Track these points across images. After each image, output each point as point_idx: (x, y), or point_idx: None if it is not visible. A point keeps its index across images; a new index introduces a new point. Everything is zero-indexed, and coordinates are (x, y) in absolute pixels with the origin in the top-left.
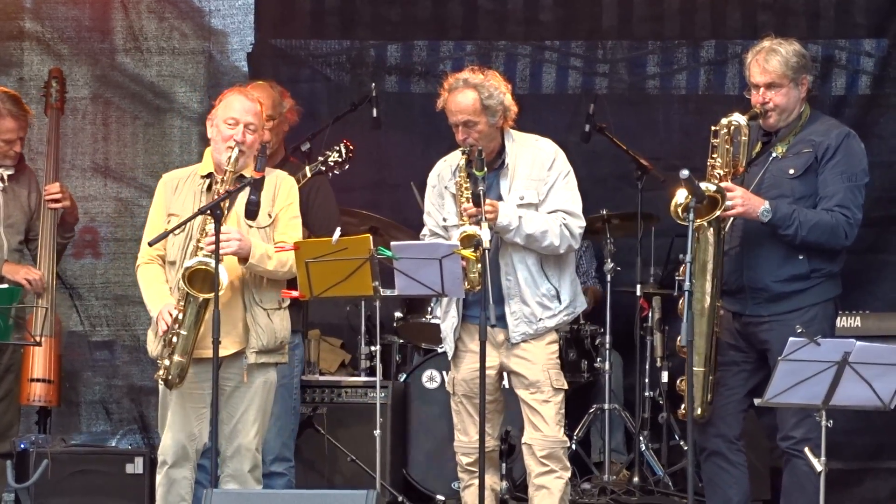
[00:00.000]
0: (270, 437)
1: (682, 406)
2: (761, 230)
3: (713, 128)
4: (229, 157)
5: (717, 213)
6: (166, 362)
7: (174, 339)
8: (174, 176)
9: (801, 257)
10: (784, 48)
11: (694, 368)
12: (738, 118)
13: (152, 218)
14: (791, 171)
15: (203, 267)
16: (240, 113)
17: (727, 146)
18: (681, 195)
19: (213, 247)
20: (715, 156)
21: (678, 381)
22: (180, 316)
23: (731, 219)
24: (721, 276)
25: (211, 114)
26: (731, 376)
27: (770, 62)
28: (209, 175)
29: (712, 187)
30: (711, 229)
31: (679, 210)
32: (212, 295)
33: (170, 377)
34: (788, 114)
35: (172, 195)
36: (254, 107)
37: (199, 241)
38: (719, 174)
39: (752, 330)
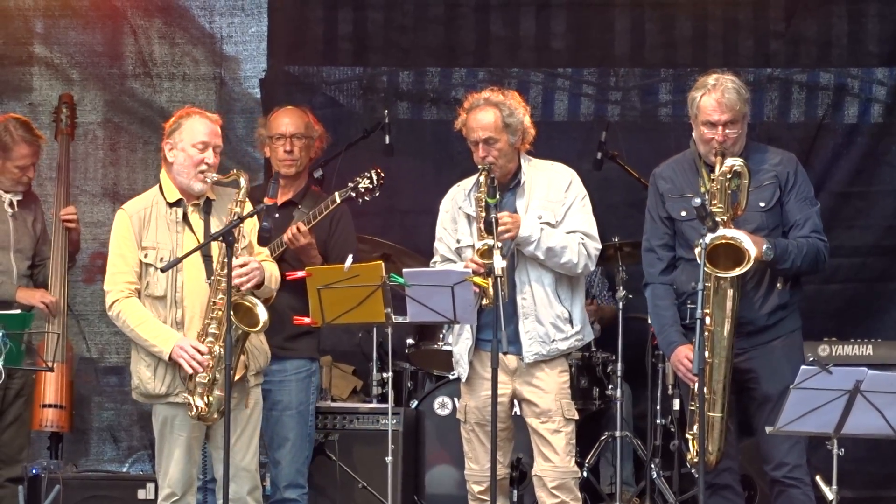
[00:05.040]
0: (285, 463)
1: (691, 453)
2: None
3: (713, 175)
4: (205, 183)
5: (745, 268)
6: (199, 400)
7: (212, 376)
8: (137, 207)
9: (779, 287)
10: (735, 83)
11: (712, 415)
12: (739, 162)
13: (122, 251)
14: (762, 205)
15: (246, 303)
16: (209, 136)
17: (728, 191)
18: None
19: (239, 280)
20: (715, 200)
21: (689, 429)
22: (216, 350)
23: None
24: (736, 322)
25: (171, 137)
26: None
27: (730, 99)
28: (178, 202)
29: (740, 237)
30: (731, 280)
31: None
32: (256, 329)
33: (209, 413)
34: (740, 148)
35: (143, 229)
36: (216, 128)
37: (219, 273)
38: (722, 220)
39: (733, 361)
